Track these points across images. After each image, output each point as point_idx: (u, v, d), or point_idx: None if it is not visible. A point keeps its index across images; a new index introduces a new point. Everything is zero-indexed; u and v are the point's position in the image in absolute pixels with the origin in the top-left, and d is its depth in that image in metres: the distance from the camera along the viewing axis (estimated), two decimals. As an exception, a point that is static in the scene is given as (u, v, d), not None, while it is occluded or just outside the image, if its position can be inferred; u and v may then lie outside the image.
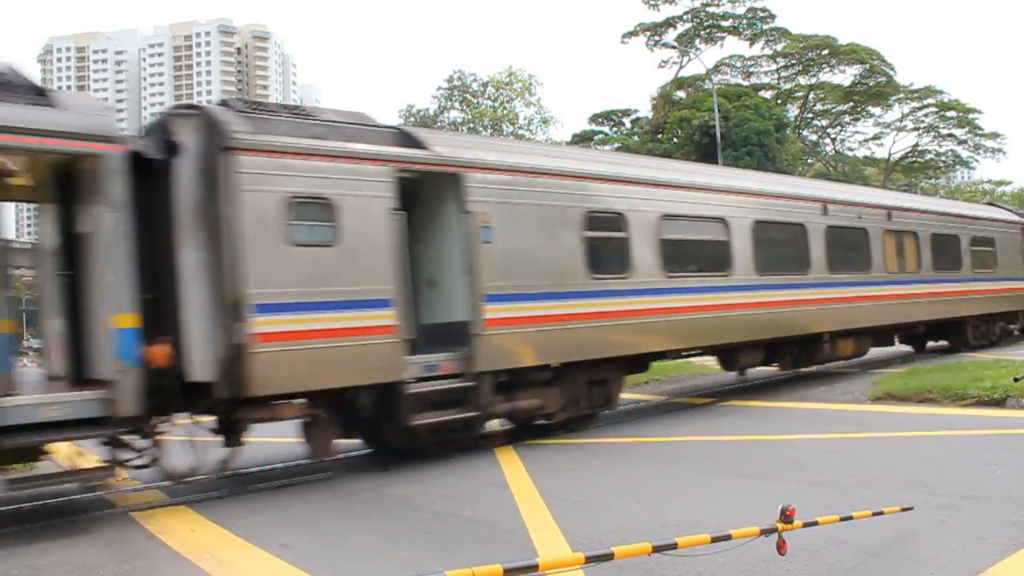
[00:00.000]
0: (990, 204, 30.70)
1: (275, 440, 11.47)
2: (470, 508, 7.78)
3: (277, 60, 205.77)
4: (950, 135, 68.08)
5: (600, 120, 68.36)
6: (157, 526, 7.57)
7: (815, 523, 4.96)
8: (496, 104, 76.36)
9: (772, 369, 18.48)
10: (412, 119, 77.18)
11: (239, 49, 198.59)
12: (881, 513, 5.47)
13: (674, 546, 4.47)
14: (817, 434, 10.79)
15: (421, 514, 7.66)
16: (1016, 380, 11.99)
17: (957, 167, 74.61)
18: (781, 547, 4.72)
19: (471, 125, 75.24)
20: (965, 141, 68.02)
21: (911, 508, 5.88)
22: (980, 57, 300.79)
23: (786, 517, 4.70)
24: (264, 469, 10.27)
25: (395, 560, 6.26)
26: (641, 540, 4.55)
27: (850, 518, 5.29)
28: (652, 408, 14.23)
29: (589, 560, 4.24)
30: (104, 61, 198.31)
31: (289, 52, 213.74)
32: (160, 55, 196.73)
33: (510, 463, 9.73)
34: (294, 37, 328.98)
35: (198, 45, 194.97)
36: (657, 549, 4.41)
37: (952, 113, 65.86)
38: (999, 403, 11.97)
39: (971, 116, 65.69)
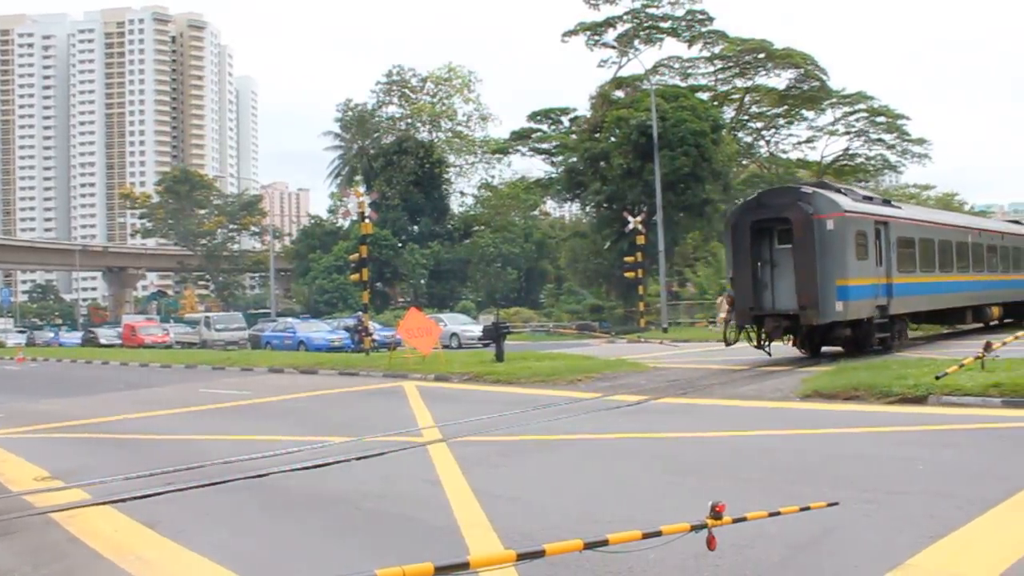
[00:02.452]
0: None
1: (213, 438, 11.29)
2: (402, 506, 7.72)
3: (213, 51, 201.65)
4: (879, 140, 69.80)
5: (539, 118, 68.55)
6: (78, 527, 7.36)
7: (744, 519, 5.03)
8: (435, 100, 76.15)
9: (709, 367, 18.90)
10: (350, 113, 76.58)
11: (174, 38, 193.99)
12: (808, 508, 5.56)
13: (605, 543, 4.48)
14: (748, 431, 10.95)
15: (352, 512, 7.59)
16: (938, 378, 12.36)
17: (886, 171, 76.49)
18: (711, 543, 4.75)
19: (409, 120, 74.88)
20: (893, 146, 69.82)
21: (837, 503, 6.00)
22: (908, 66, 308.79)
23: (716, 513, 4.74)
24: (193, 467, 10.05)
25: (325, 559, 6.18)
26: (573, 537, 4.55)
27: (778, 513, 5.37)
28: (587, 405, 14.30)
29: (520, 558, 4.22)
30: (30, 46, 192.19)
31: (226, 43, 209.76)
32: (90, 41, 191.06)
33: (443, 460, 9.69)
34: (230, 27, 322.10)
35: (131, 32, 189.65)
36: (589, 546, 4.42)
37: (881, 119, 67.50)
38: (921, 400, 12.29)
39: (899, 122, 67.42)
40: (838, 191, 20.48)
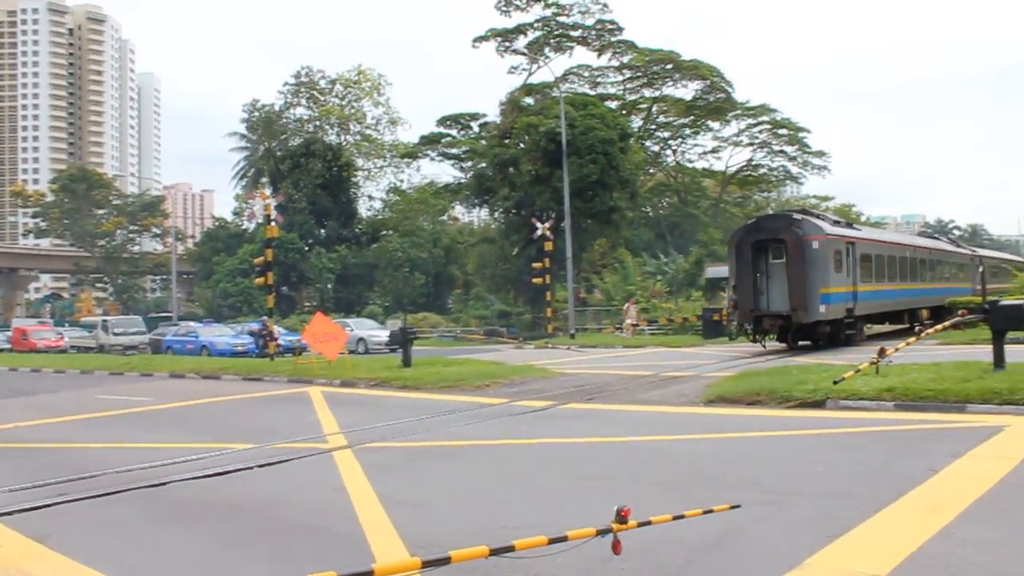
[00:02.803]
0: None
1: (110, 446, 10.87)
2: (306, 513, 7.56)
3: (114, 45, 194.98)
4: (781, 151, 71.84)
5: (448, 123, 68.49)
6: (-41, 540, 6.98)
7: (649, 523, 5.06)
8: (344, 103, 75.33)
9: (616, 373, 19.16)
10: (256, 114, 75.18)
11: (71, 31, 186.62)
12: (711, 511, 5.63)
13: (511, 549, 4.45)
14: (653, 436, 11.09)
15: (254, 520, 7.40)
16: (835, 383, 12.73)
17: (787, 182, 78.80)
18: (616, 547, 4.77)
19: (317, 123, 73.88)
20: (795, 157, 71.93)
21: (739, 506, 6.10)
22: (810, 81, 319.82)
23: (621, 517, 4.76)
24: (87, 477, 9.65)
25: (226, 570, 6.01)
26: (480, 543, 4.51)
27: (682, 517, 5.43)
28: (494, 410, 14.29)
29: (426, 565, 4.16)
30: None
31: (127, 37, 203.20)
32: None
33: (349, 467, 9.55)
34: (132, 22, 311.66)
35: (24, 23, 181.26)
36: (494, 552, 4.38)
37: (784, 131, 69.51)
38: (819, 404, 12.66)
39: (800, 135, 69.54)
40: (818, 217, 25.95)
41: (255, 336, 35.20)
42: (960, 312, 16.15)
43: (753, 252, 24.23)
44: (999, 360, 13.34)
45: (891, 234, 39.37)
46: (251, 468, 9.80)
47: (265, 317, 32.60)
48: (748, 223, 27.83)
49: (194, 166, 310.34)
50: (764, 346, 24.35)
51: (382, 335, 37.91)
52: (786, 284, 23.47)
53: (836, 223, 27.16)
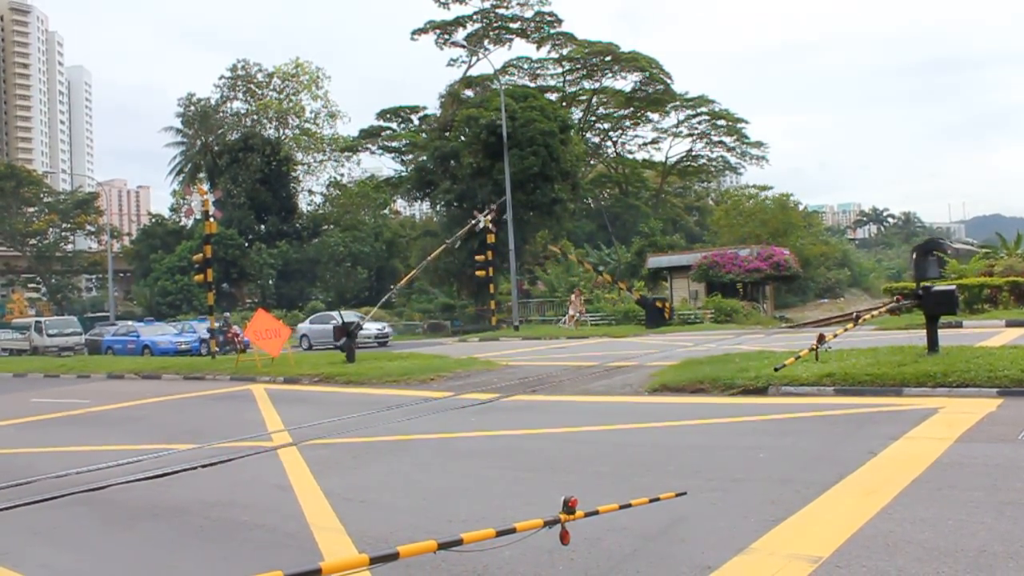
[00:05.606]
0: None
1: (45, 450, 10.59)
2: (252, 513, 7.45)
3: (40, 38, 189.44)
4: (720, 142, 72.80)
5: (388, 116, 68.14)
6: None
7: (596, 512, 5.08)
8: (282, 96, 74.34)
9: (560, 364, 19.22)
10: (192, 108, 73.84)
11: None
12: (657, 499, 5.68)
13: (460, 542, 4.43)
14: (599, 426, 11.15)
15: (199, 522, 7.26)
16: (776, 370, 12.92)
17: (726, 172, 79.82)
18: (564, 537, 4.78)
19: (255, 117, 72.81)
20: (734, 148, 72.92)
21: (684, 493, 6.16)
22: (749, 73, 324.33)
23: (568, 508, 4.77)
24: (20, 483, 9.39)
25: (172, 574, 5.89)
26: (428, 537, 4.48)
27: (629, 506, 5.45)
28: (439, 404, 14.25)
29: (374, 561, 4.12)
30: None
31: (54, 29, 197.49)
32: None
33: (294, 464, 9.44)
34: (60, 14, 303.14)
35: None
36: (443, 546, 4.36)
37: (722, 122, 70.39)
38: (762, 391, 12.86)
39: (739, 125, 70.48)
40: (944, 240, 52.97)
41: (214, 333, 34.69)
42: (895, 298, 16.51)
43: (923, 255, 44.49)
44: (933, 344, 13.69)
45: (966, 247, 64.18)
46: (194, 468, 9.64)
47: (227, 314, 32.31)
48: (920, 244, 51.91)
49: (129, 162, 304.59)
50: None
51: (371, 328, 37.92)
52: (938, 270, 40.95)
53: (951, 244, 48.30)
